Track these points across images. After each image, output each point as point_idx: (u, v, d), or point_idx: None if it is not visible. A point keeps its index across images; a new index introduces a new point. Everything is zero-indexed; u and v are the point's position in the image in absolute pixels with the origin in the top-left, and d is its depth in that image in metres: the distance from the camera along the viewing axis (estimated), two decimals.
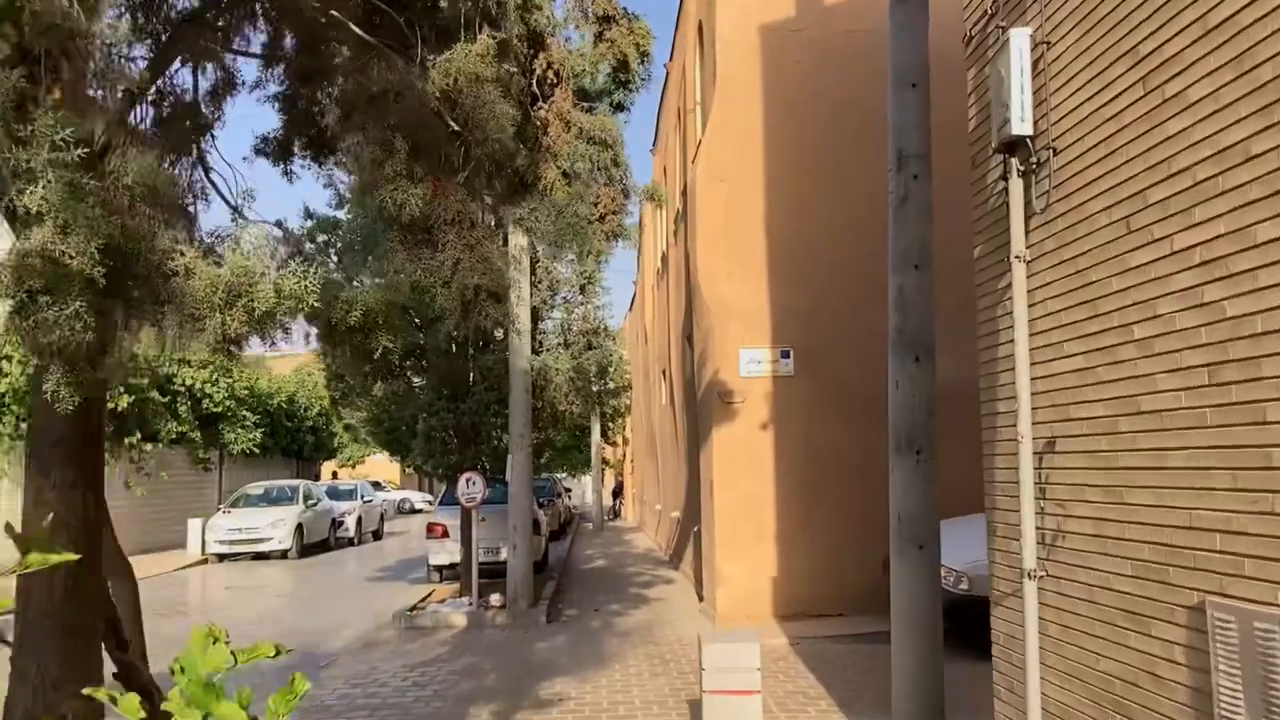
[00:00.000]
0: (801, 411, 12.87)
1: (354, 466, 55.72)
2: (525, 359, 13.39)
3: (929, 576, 7.50)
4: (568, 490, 41.57)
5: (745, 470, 12.77)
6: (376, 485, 42.87)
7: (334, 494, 30.87)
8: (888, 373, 8.04)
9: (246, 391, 29.79)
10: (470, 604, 14.03)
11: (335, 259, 15.11)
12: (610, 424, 38.43)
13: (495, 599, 14.32)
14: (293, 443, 35.74)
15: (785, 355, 12.94)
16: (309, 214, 14.69)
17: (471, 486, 13.64)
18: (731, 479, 12.76)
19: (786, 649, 11.32)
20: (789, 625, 12.28)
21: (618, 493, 49.00)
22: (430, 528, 17.87)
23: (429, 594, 15.73)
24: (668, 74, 20.36)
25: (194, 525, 25.38)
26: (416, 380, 14.57)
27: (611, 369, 15.27)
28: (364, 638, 12.98)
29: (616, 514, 46.21)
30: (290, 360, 37.30)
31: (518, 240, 13.25)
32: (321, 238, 14.74)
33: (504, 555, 14.37)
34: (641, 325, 28.61)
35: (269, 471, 32.41)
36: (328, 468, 50.95)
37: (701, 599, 14.31)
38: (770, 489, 12.77)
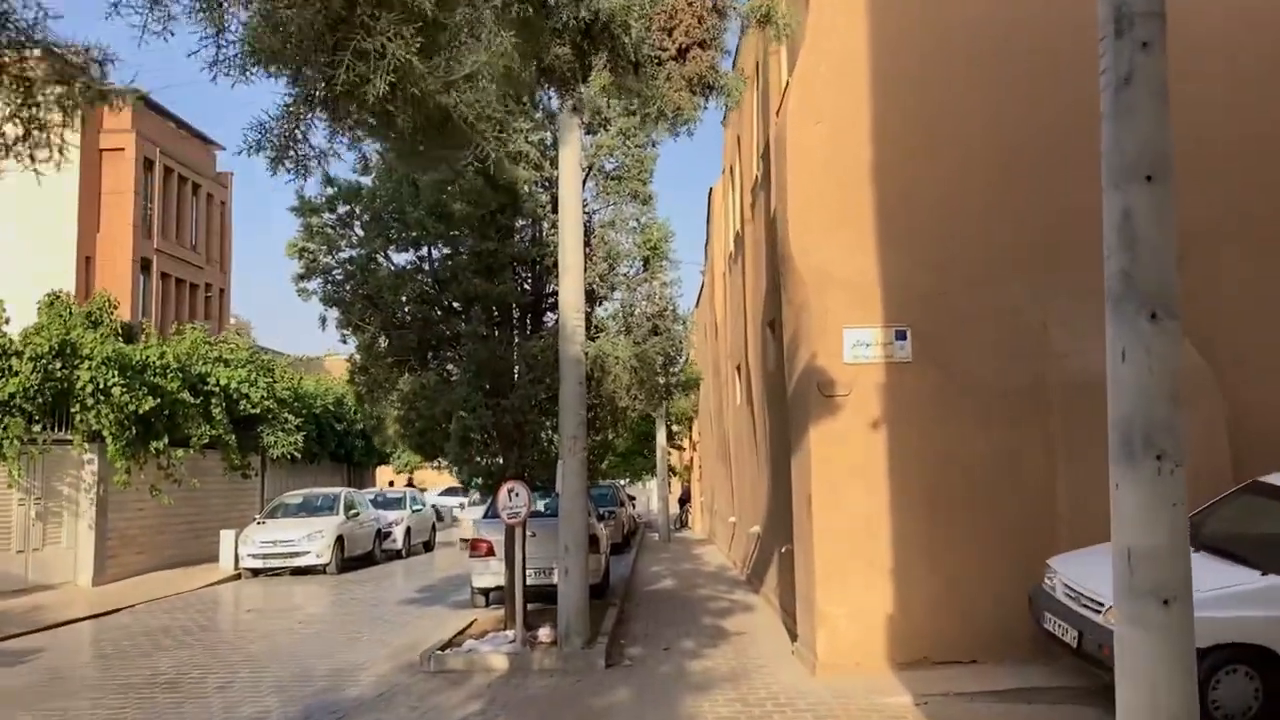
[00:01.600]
0: (922, 408, 10.28)
1: (412, 472, 53.88)
2: (579, 345, 11.00)
3: (1179, 648, 4.89)
4: (631, 499, 39.15)
5: (852, 481, 10.21)
6: (422, 491, 40.68)
7: (381, 503, 28.78)
8: (1106, 341, 5.37)
9: (289, 393, 27.83)
10: (514, 640, 11.64)
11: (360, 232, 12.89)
12: (676, 425, 35.97)
13: (544, 633, 11.91)
14: (340, 447, 33.78)
15: (901, 336, 10.36)
16: (329, 180, 12.46)
17: (514, 499, 11.26)
18: (835, 493, 10.20)
19: (910, 710, 8.76)
20: (909, 676, 9.68)
21: (684, 501, 46.48)
22: (474, 545, 15.54)
23: (469, 625, 13.35)
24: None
25: (227, 537, 23.38)
26: (451, 370, 12.25)
27: (681, 358, 12.78)
28: (383, 683, 10.65)
29: (683, 523, 43.70)
30: (340, 362, 35.50)
31: (569, 181, 10.88)
32: (343, 208, 12.52)
33: (556, 577, 11.97)
34: (711, 316, 26.09)
35: (315, 478, 30.38)
36: (384, 474, 49.15)
37: (795, 637, 11.75)
38: (884, 505, 10.19)
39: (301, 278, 12.50)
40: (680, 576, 20.97)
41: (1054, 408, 10.27)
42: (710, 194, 26.60)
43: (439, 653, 11.42)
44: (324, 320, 12.65)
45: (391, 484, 46.94)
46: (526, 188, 11.97)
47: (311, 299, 12.48)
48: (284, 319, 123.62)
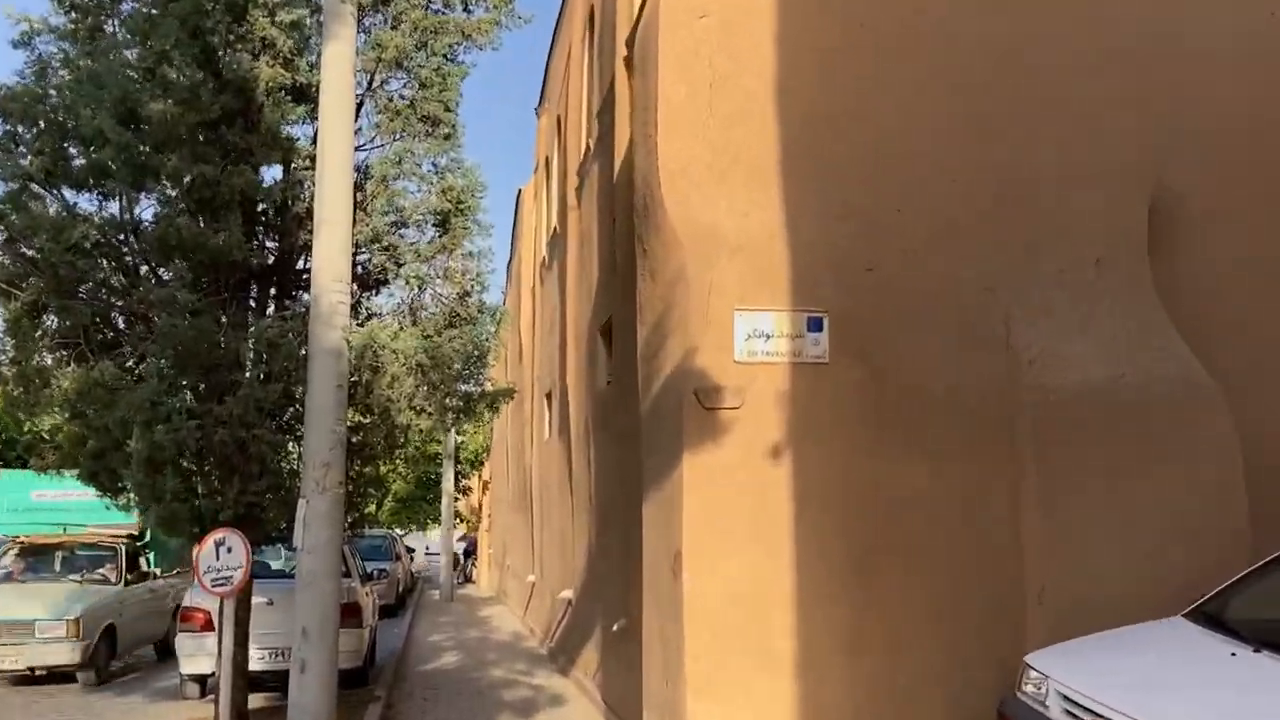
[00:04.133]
0: (843, 428, 7.10)
1: None
2: (339, 330, 7.25)
3: None
4: (410, 551, 34.62)
5: (742, 534, 6.89)
6: None
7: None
8: None
9: None
10: None
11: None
12: (462, 465, 31.90)
13: None
14: None
15: (815, 326, 7.17)
16: None
17: (225, 557, 7.32)
18: (717, 550, 6.84)
19: None
20: None
21: (469, 552, 42.17)
22: (184, 615, 11.26)
23: None
24: None
25: None
26: (140, 361, 8.15)
27: (490, 357, 9.16)
28: None
29: (468, 578, 39.43)
30: None
31: (336, 93, 7.20)
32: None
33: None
34: (515, 341, 22.49)
35: None
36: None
37: None
38: (787, 568, 6.91)
39: None
40: (467, 648, 17.07)
41: (1022, 432, 7.30)
42: (519, 198, 23.12)
43: None
44: None
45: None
46: (269, 94, 8.17)
47: None
48: None
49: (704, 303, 7.03)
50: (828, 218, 7.36)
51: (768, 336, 7.05)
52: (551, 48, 17.98)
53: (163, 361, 7.68)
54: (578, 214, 13.69)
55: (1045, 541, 7.11)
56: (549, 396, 17.02)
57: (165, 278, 8.22)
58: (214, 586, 7.34)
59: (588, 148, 12.73)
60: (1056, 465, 7.17)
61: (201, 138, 8.01)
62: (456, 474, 30.79)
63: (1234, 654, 5.84)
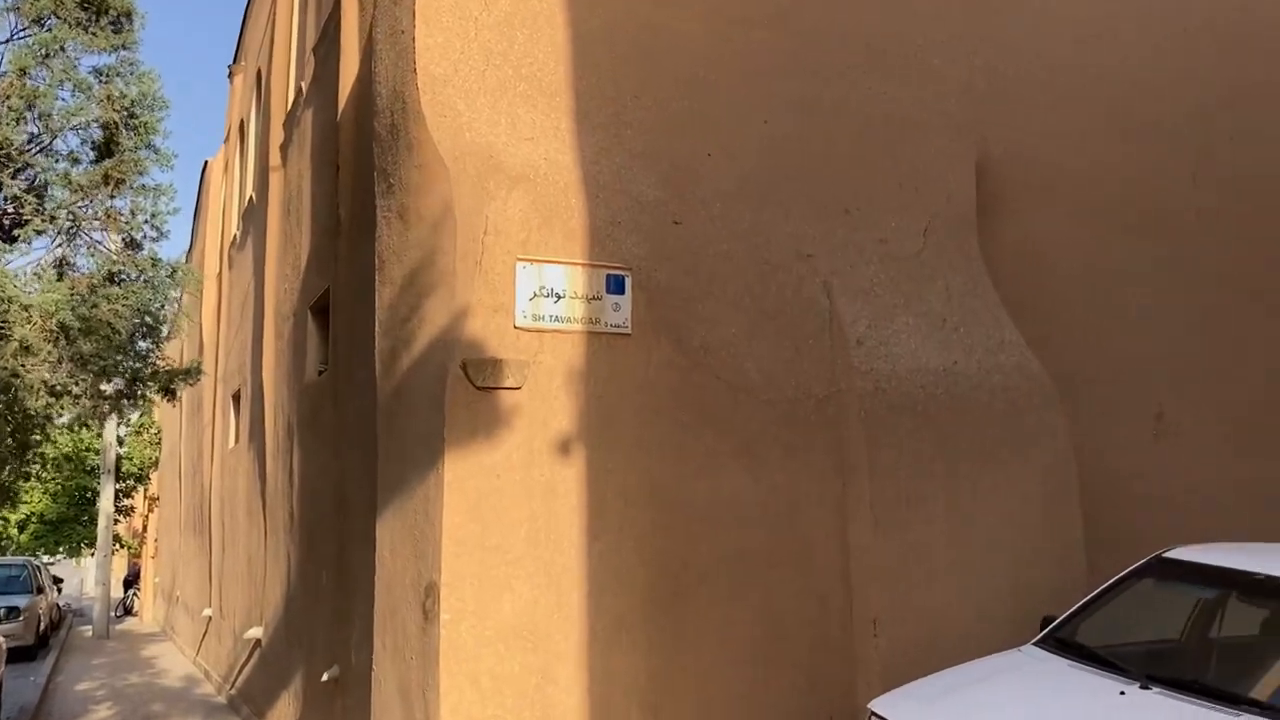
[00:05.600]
0: (649, 419, 5.57)
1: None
2: None
3: None
4: (58, 581, 29.78)
5: (517, 555, 5.18)
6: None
7: None
8: None
9: None
10: None
11: None
12: (125, 483, 27.72)
13: None
14: None
15: (616, 286, 5.60)
16: None
17: None
18: (483, 578, 5.09)
19: None
20: None
21: (131, 582, 37.18)
22: None
23: None
24: None
25: None
26: None
27: (165, 328, 6.90)
28: None
29: (129, 611, 34.65)
30: None
31: None
32: None
33: None
34: (197, 335, 19.38)
35: None
36: None
37: None
38: (575, 601, 5.27)
39: None
40: (126, 698, 14.07)
41: (851, 427, 6.06)
42: (204, 173, 20.06)
43: None
44: None
45: None
46: None
47: None
48: None
49: (476, 248, 5.30)
50: (631, 156, 5.84)
51: (558, 296, 5.42)
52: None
53: None
54: (282, 175, 11.41)
55: (879, 561, 5.89)
56: (236, 397, 14.44)
57: None
58: None
59: (299, 93, 10.56)
60: (889, 469, 5.99)
61: None
62: (117, 491, 26.63)
63: (1123, 692, 4.82)
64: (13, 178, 6.52)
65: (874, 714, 5.06)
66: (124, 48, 6.54)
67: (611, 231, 5.63)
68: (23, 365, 5.89)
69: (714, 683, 5.50)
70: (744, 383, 5.83)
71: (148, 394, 6.61)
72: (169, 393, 7.02)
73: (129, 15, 6.59)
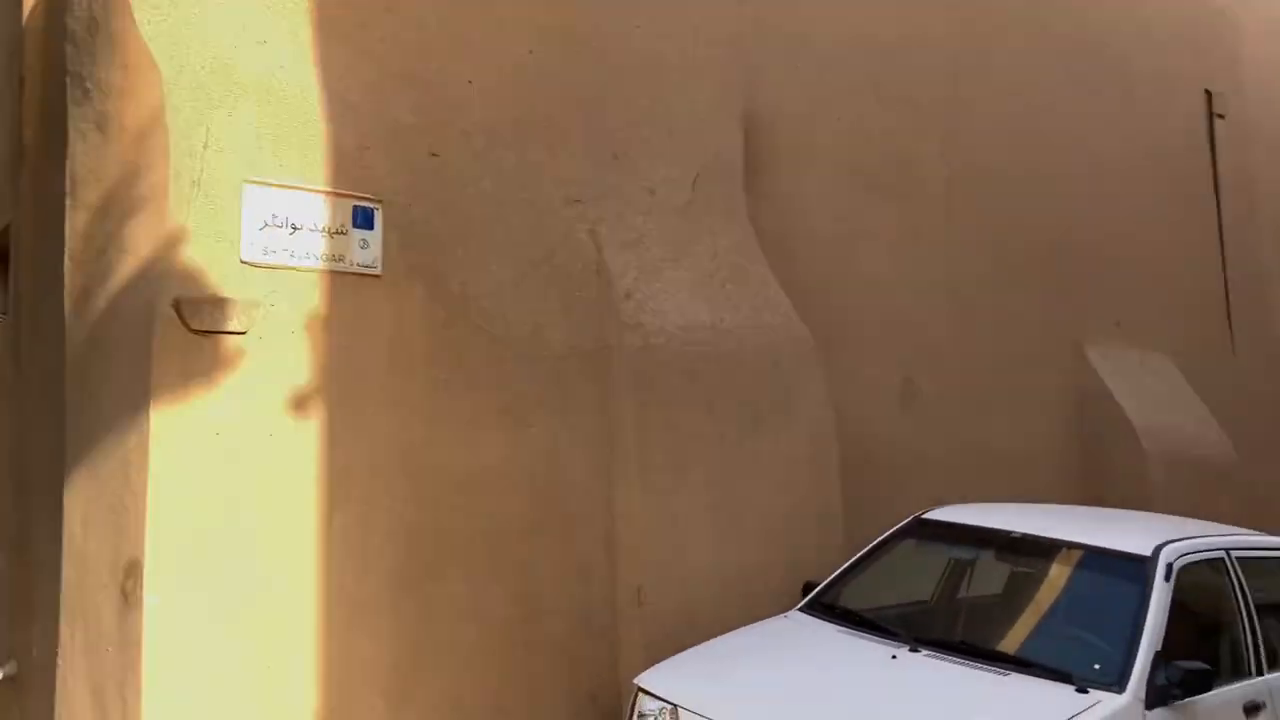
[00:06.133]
0: (402, 374, 4.92)
1: None
2: None
3: None
4: None
5: (241, 529, 4.40)
6: None
7: None
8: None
9: None
10: None
11: None
12: None
13: None
14: None
15: (364, 220, 4.87)
16: None
17: None
18: (199, 554, 4.28)
19: None
20: None
21: None
22: None
23: None
24: None
25: None
26: None
27: None
28: None
29: None
30: None
31: None
32: None
33: None
34: None
35: None
36: None
37: None
38: (310, 581, 4.56)
39: None
40: None
41: (620, 386, 5.65)
42: None
43: None
44: None
45: None
46: None
47: None
48: None
49: (194, 164, 4.45)
50: (383, 74, 5.12)
51: (294, 227, 4.66)
52: None
53: None
54: None
55: (645, 528, 5.53)
56: None
57: None
58: None
59: None
60: (658, 430, 5.64)
61: None
62: None
63: (894, 656, 4.74)
64: None
65: (642, 690, 4.72)
66: None
67: (360, 157, 4.92)
68: None
69: (468, 667, 4.95)
70: (508, 336, 5.29)
71: None
72: None
73: None
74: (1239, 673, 4.89)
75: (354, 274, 4.80)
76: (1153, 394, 8.60)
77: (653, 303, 5.82)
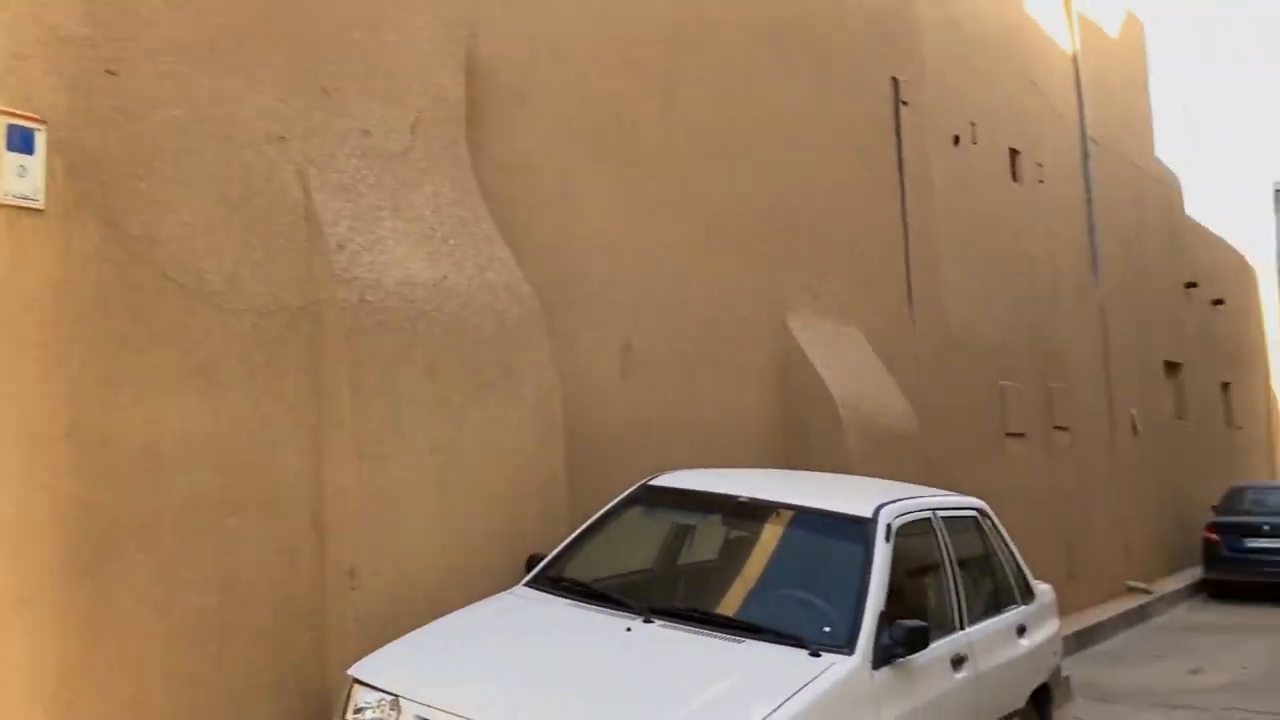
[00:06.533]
0: (74, 327, 4.14)
1: None
2: None
3: None
4: None
5: None
6: None
7: None
8: None
9: None
10: None
11: None
12: None
13: None
14: None
15: (22, 143, 4.01)
16: None
17: None
18: None
19: None
20: None
21: None
22: None
23: None
24: None
25: None
26: None
27: None
28: None
29: None
30: None
31: None
32: None
33: None
34: None
35: None
36: None
37: None
38: None
39: None
40: None
41: (331, 346, 5.09)
42: None
43: None
44: None
45: None
46: None
47: None
48: None
49: None
50: None
51: None
52: None
53: None
54: None
55: (359, 502, 5.03)
56: None
57: None
58: None
59: None
60: (374, 396, 5.14)
61: None
62: None
63: (629, 628, 4.60)
64: None
65: (358, 681, 4.30)
66: None
67: (16, 67, 4.08)
68: None
69: (153, 667, 4.28)
70: (201, 286, 4.61)
71: None
72: None
73: None
74: (945, 627, 5.13)
75: (9, 205, 3.97)
76: (848, 364, 9.00)
77: (368, 255, 5.30)
